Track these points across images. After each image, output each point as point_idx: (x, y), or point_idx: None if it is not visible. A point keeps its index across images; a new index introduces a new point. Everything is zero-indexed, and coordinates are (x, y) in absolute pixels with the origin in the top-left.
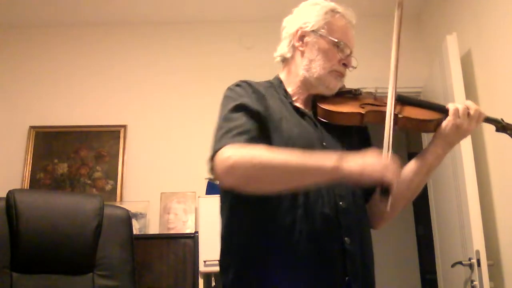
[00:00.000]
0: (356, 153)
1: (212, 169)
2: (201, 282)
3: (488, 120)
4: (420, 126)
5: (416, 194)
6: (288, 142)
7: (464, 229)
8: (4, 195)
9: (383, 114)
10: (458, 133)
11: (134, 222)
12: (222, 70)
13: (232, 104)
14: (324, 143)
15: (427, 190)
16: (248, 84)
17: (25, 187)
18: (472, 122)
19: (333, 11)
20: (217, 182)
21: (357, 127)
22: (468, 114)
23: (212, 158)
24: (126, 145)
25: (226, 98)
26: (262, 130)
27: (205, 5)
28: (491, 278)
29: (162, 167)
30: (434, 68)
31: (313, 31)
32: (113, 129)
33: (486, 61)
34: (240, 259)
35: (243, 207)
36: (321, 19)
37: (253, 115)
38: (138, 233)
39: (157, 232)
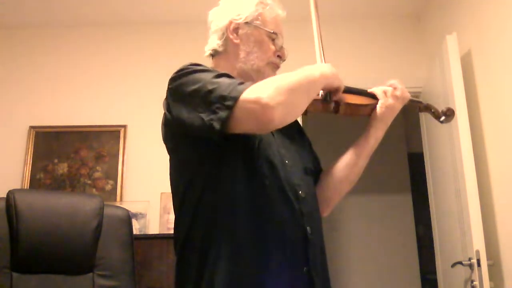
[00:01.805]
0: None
1: (231, 119)
2: None
3: (411, 101)
4: (359, 111)
5: (358, 177)
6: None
7: (464, 229)
8: (4, 195)
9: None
10: (391, 112)
11: (134, 222)
12: None
13: (213, 73)
14: (276, 135)
15: (427, 190)
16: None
17: (25, 187)
18: (399, 100)
19: (262, 2)
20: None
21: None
22: (395, 93)
23: (231, 107)
24: (126, 145)
25: (191, 72)
26: None
27: (206, 5)
28: (491, 278)
29: (162, 167)
30: (434, 68)
31: (246, 22)
32: (113, 129)
33: (486, 61)
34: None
35: (208, 200)
36: (254, 10)
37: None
38: (138, 233)
39: (157, 232)
